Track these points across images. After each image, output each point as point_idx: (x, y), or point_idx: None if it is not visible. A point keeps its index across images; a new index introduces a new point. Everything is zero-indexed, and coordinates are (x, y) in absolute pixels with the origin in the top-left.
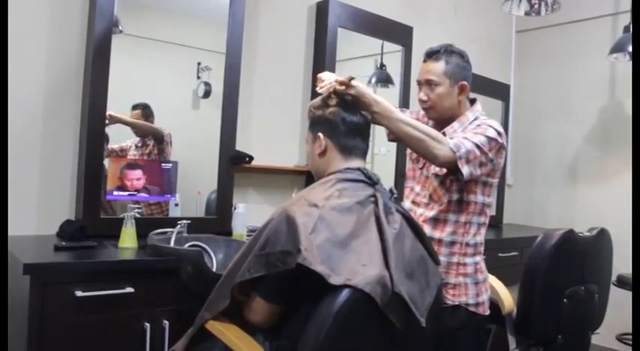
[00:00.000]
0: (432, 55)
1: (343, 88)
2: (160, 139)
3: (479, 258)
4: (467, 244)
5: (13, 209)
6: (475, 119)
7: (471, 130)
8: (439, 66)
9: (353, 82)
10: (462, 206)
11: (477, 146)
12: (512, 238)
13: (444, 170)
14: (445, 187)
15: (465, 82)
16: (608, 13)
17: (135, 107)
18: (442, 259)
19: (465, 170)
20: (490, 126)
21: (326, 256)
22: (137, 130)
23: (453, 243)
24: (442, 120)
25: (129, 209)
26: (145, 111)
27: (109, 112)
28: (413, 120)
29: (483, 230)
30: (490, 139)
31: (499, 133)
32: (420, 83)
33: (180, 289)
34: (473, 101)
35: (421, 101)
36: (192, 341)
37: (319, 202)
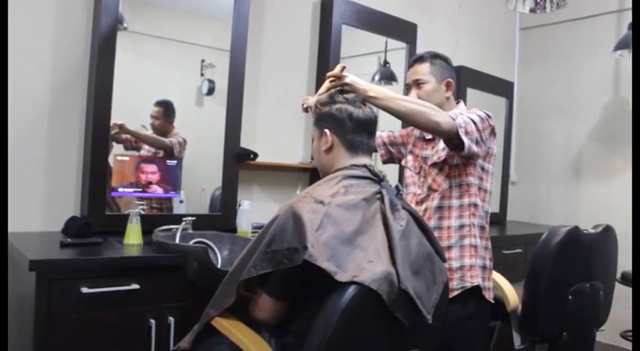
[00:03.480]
0: (417, 59)
1: (336, 81)
2: (169, 152)
3: (487, 243)
4: (474, 226)
5: (18, 206)
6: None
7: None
8: (424, 67)
9: (346, 79)
10: (462, 189)
11: (472, 121)
12: (517, 235)
13: (442, 157)
14: (444, 173)
15: (450, 80)
16: (613, 10)
17: (158, 104)
18: (455, 244)
19: (466, 140)
20: (479, 109)
21: (332, 253)
22: (146, 144)
23: (461, 226)
24: None
25: (134, 206)
26: (167, 110)
27: (121, 122)
28: (408, 97)
29: (486, 217)
30: (482, 118)
31: (488, 116)
32: (408, 86)
33: (185, 285)
34: (457, 102)
35: None
36: (198, 338)
37: (325, 199)
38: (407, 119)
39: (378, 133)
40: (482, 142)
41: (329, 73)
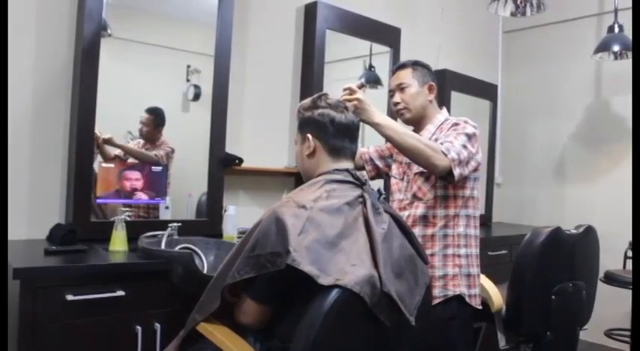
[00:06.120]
0: (399, 66)
1: (348, 93)
2: (155, 164)
3: (471, 250)
4: (458, 236)
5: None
6: (446, 120)
7: (451, 130)
8: (407, 72)
9: (358, 94)
10: (448, 201)
11: (464, 147)
12: (501, 237)
13: None
14: (430, 183)
15: (432, 83)
16: (593, 14)
17: (149, 111)
18: (438, 252)
19: (457, 172)
20: (466, 122)
21: (315, 257)
22: (133, 158)
23: (445, 236)
24: (416, 121)
25: (119, 212)
26: (157, 119)
27: (110, 135)
28: (410, 132)
29: (473, 222)
30: (470, 136)
31: (474, 127)
32: (392, 92)
33: (171, 291)
34: (441, 107)
35: (395, 104)
36: (183, 343)
37: (308, 204)
38: (406, 154)
39: (363, 150)
40: (473, 159)
41: (347, 86)
